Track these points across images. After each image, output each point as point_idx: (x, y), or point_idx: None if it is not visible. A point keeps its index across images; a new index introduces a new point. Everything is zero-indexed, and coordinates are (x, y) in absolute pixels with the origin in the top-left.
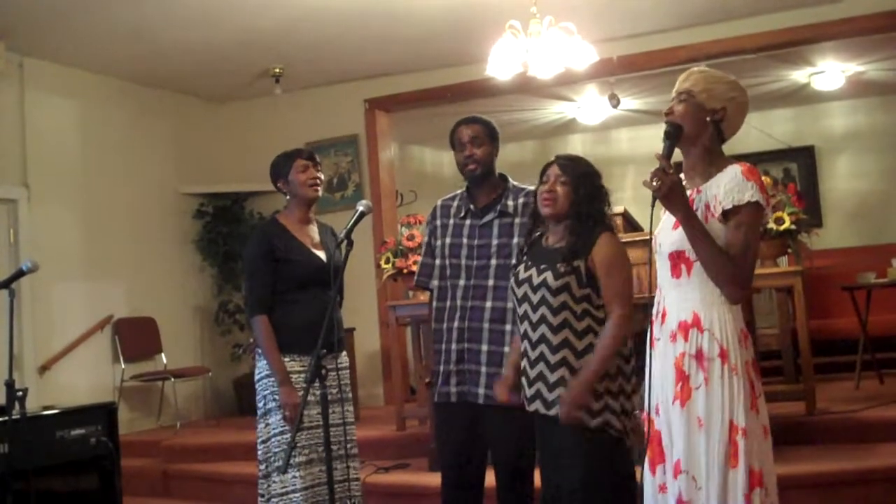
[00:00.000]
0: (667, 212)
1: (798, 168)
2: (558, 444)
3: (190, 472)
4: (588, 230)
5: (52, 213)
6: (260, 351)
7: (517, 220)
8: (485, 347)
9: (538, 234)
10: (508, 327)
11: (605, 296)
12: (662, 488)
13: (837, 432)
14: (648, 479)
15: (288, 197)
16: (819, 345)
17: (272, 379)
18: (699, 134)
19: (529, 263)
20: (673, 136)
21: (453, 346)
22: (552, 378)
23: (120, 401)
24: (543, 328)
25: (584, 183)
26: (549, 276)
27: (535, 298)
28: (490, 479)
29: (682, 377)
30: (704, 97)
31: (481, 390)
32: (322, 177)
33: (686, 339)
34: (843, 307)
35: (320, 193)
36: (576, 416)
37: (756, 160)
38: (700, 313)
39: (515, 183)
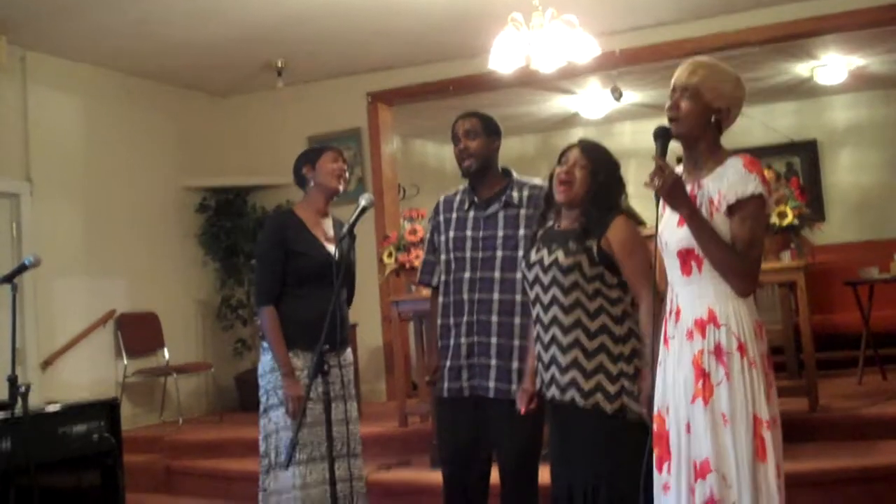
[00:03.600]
0: (669, 209)
1: (801, 162)
2: (575, 431)
3: (192, 468)
4: (602, 213)
5: (54, 208)
6: (265, 345)
7: (522, 212)
8: (494, 340)
9: (549, 223)
10: (518, 320)
11: (631, 280)
12: (666, 487)
13: (840, 429)
14: (655, 477)
15: (311, 184)
16: (821, 340)
17: (276, 374)
18: (702, 133)
19: (540, 245)
20: (662, 137)
21: (462, 341)
22: (564, 361)
23: (122, 396)
24: (555, 309)
25: (603, 170)
26: (560, 254)
27: (546, 279)
28: (493, 477)
29: (703, 374)
30: (711, 96)
31: (491, 384)
32: (348, 174)
33: (703, 335)
34: (845, 302)
35: (342, 188)
36: None
37: (759, 154)
38: (715, 309)
39: (519, 176)
